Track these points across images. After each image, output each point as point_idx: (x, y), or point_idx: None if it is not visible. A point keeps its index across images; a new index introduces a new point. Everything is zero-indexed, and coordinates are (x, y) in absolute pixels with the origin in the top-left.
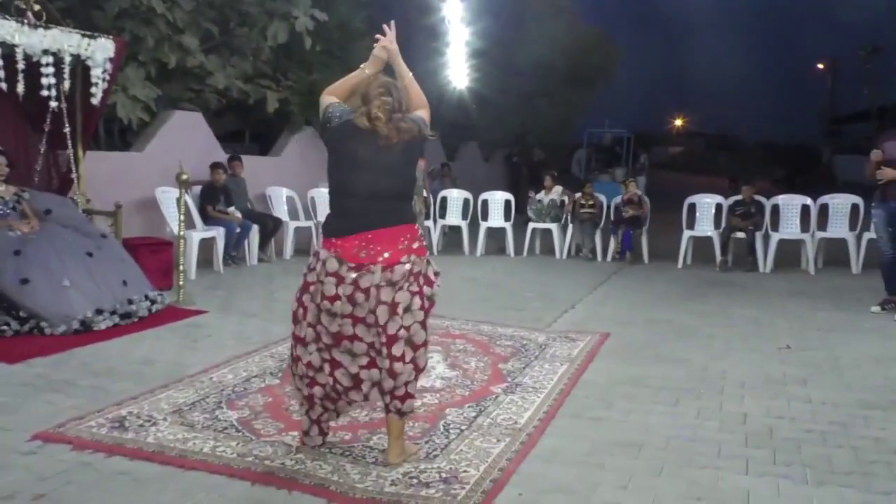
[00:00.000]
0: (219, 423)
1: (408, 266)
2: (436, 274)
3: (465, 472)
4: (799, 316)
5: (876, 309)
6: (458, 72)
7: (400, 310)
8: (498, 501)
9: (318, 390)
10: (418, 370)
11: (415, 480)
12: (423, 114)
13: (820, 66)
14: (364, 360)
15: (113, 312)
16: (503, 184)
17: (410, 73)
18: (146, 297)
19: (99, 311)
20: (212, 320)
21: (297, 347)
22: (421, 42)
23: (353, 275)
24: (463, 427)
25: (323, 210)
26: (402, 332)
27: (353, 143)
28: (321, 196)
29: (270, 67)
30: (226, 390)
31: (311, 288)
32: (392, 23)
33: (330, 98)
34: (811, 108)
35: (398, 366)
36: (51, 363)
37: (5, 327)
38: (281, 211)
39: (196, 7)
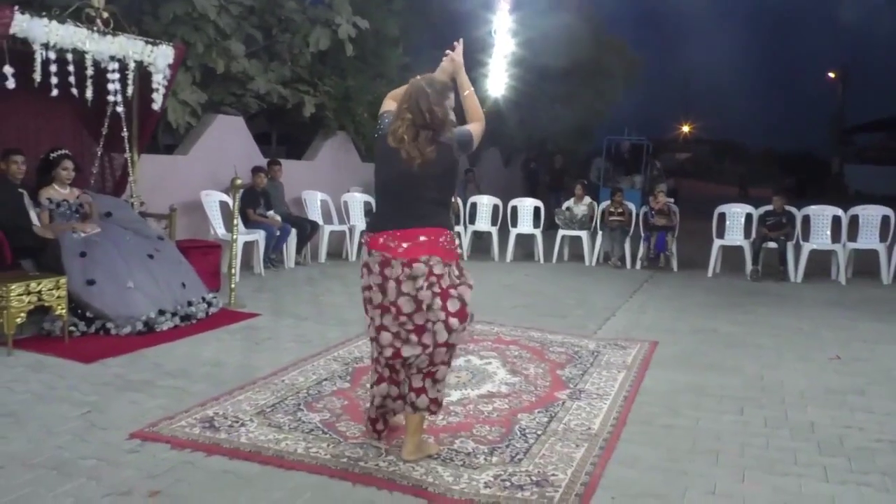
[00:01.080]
0: (304, 424)
1: (424, 266)
2: (468, 286)
3: (553, 475)
4: (841, 326)
5: None
6: (496, 80)
7: (424, 306)
8: None
9: (383, 387)
10: (434, 365)
11: (507, 483)
12: (473, 127)
13: (831, 74)
14: (389, 352)
15: (174, 314)
16: (522, 189)
17: (471, 87)
18: (203, 300)
19: (161, 313)
20: (267, 323)
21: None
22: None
23: (378, 267)
24: (539, 432)
25: (355, 214)
26: (429, 325)
27: (388, 154)
28: (354, 200)
29: (308, 73)
30: (300, 392)
31: (362, 283)
32: (461, 39)
33: (387, 104)
34: (820, 116)
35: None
36: (124, 363)
37: (73, 328)
38: (315, 214)
39: (241, 13)
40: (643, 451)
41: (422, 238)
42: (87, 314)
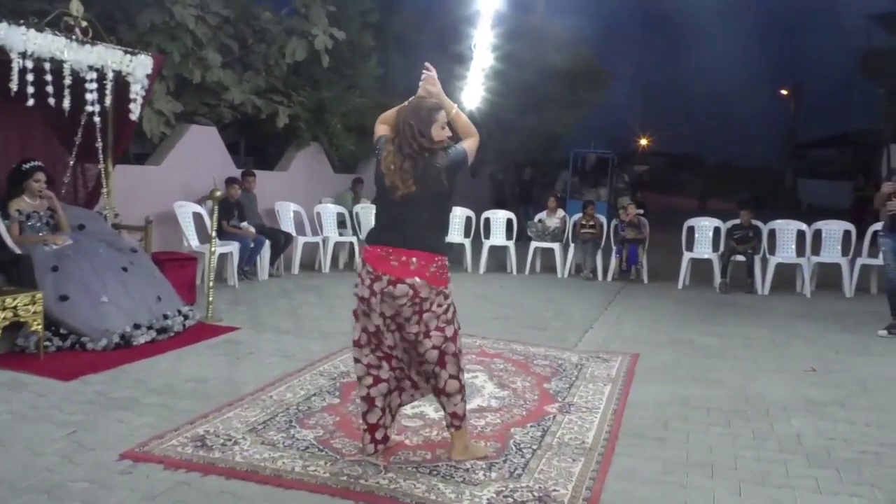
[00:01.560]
0: (298, 442)
1: (408, 288)
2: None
3: (555, 490)
4: (812, 338)
5: (883, 333)
6: (473, 93)
7: (403, 322)
8: None
9: (382, 386)
10: (433, 377)
11: (509, 500)
12: (467, 144)
13: (784, 91)
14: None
15: (150, 327)
16: (489, 201)
17: (455, 107)
18: (179, 313)
19: (137, 326)
20: (247, 337)
21: (355, 351)
22: (443, 64)
23: (369, 279)
24: (534, 447)
25: (328, 225)
26: (409, 337)
27: (383, 180)
28: (327, 211)
29: (282, 83)
30: (290, 409)
31: (356, 291)
32: (427, 64)
33: (379, 129)
34: (773, 132)
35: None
36: (105, 380)
37: (48, 343)
38: (288, 226)
39: (217, 23)
40: (639, 465)
41: (413, 260)
42: (61, 330)
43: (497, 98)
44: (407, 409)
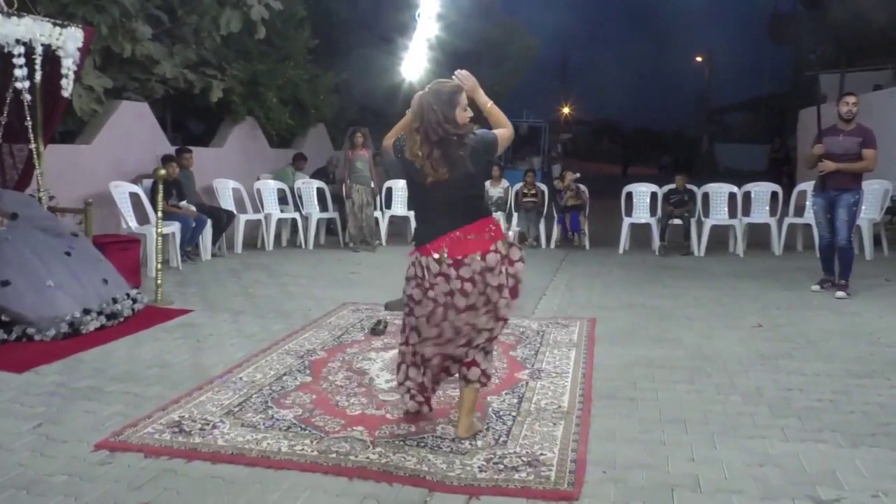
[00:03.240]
0: (279, 422)
1: (480, 259)
2: (515, 260)
3: (542, 454)
4: (754, 296)
5: (816, 287)
6: (415, 64)
7: (481, 295)
8: (588, 479)
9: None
10: (489, 341)
11: (500, 466)
12: (500, 132)
13: (698, 58)
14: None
15: (100, 313)
16: None
17: (490, 102)
18: (128, 296)
19: (87, 311)
20: (203, 319)
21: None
22: (374, 35)
23: (429, 270)
24: (513, 413)
25: (269, 202)
26: (489, 307)
27: (412, 169)
28: (267, 188)
29: (213, 56)
30: (264, 389)
31: (414, 284)
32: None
33: (388, 142)
34: (689, 97)
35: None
36: (62, 370)
37: None
38: (228, 203)
39: None
40: (617, 425)
41: (469, 236)
42: (3, 318)
43: (438, 68)
44: (381, 384)
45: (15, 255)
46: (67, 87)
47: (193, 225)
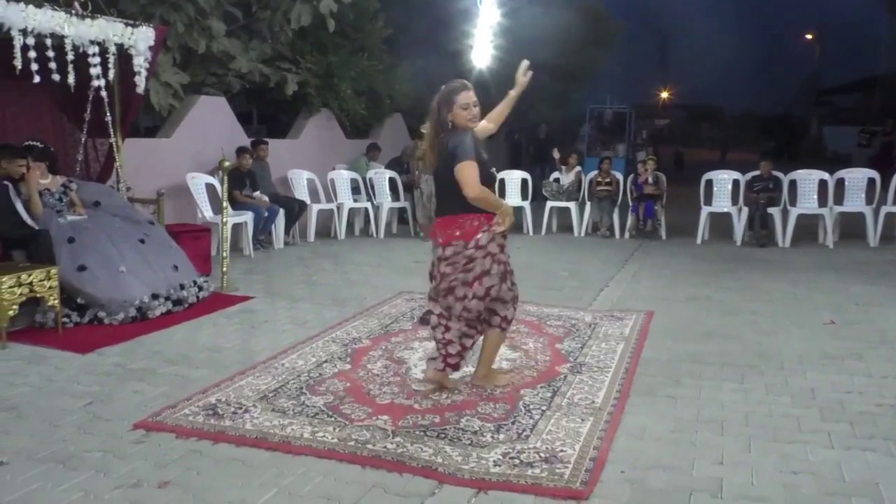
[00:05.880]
0: (308, 408)
1: (455, 247)
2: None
3: (562, 451)
4: (833, 290)
5: None
6: (481, 52)
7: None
8: (603, 479)
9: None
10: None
11: (516, 461)
12: (462, 164)
13: (808, 35)
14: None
15: (167, 298)
16: (506, 161)
17: (514, 92)
18: (195, 283)
19: (155, 296)
20: (263, 306)
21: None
22: (449, 23)
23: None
24: (543, 407)
25: (342, 192)
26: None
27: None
28: (341, 178)
29: (289, 50)
30: (302, 376)
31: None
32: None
33: None
34: (797, 78)
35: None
36: (122, 352)
37: (66, 319)
38: (302, 193)
39: None
40: (649, 423)
41: (452, 226)
42: (79, 301)
43: (508, 56)
44: (416, 374)
45: (92, 241)
46: (141, 83)
47: (266, 214)
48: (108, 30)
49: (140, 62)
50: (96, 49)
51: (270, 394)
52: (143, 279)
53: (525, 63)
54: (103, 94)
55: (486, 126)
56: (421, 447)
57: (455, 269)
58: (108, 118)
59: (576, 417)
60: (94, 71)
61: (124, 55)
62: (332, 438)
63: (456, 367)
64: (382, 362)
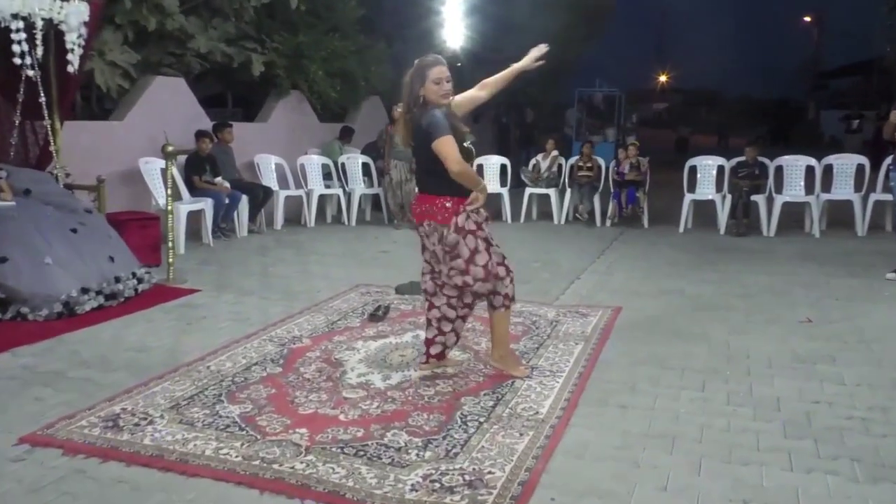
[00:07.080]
0: (220, 419)
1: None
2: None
3: (490, 473)
4: (813, 284)
5: (892, 276)
6: (453, 31)
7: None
8: None
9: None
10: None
11: (437, 485)
12: (440, 140)
13: (806, 18)
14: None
15: (98, 292)
16: (492, 145)
17: (509, 70)
18: (133, 276)
19: (84, 290)
20: (206, 300)
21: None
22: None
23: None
24: (481, 419)
25: (313, 177)
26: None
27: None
28: (311, 163)
29: (254, 29)
30: (225, 381)
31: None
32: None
33: None
34: (795, 62)
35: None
36: (38, 352)
37: None
38: (270, 179)
39: None
40: (593, 438)
41: (426, 204)
42: (1, 295)
43: (487, 36)
44: (351, 379)
45: (17, 231)
46: (74, 62)
47: (227, 201)
48: (34, 4)
49: (73, 38)
50: (20, 24)
51: (184, 402)
52: (71, 272)
53: (544, 48)
54: (30, 73)
55: (475, 95)
56: (333, 467)
57: (445, 256)
58: (43, 99)
59: (514, 431)
60: (18, 48)
61: (58, 31)
62: (237, 456)
63: (440, 357)
64: (317, 365)
